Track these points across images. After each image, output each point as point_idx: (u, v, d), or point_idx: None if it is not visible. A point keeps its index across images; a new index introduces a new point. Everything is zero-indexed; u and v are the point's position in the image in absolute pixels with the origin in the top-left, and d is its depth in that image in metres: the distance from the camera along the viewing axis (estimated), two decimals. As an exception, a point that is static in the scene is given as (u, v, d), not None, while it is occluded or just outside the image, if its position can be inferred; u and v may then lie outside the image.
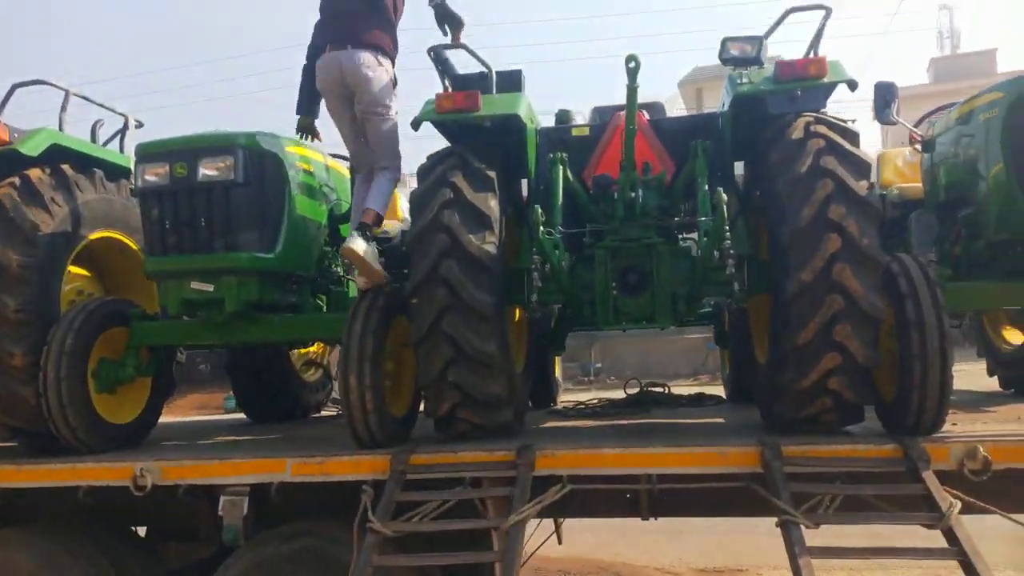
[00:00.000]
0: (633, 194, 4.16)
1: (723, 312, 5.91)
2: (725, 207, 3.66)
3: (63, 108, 5.02)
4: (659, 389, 6.86)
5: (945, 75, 25.64)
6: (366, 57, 4.52)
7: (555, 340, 6.28)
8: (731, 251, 3.83)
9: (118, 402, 4.74)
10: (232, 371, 6.32)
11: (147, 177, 4.22)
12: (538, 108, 4.58)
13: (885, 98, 4.73)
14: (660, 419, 5.41)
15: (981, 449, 3.47)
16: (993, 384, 6.34)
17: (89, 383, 4.51)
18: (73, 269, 5.01)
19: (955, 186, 4.43)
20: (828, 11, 4.16)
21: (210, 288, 4.23)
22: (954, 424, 4.23)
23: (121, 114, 5.42)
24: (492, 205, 4.01)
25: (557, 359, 7.32)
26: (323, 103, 4.76)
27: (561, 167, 4.24)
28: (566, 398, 7.40)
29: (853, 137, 3.90)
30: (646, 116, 4.62)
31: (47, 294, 4.49)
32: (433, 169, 4.15)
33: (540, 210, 3.70)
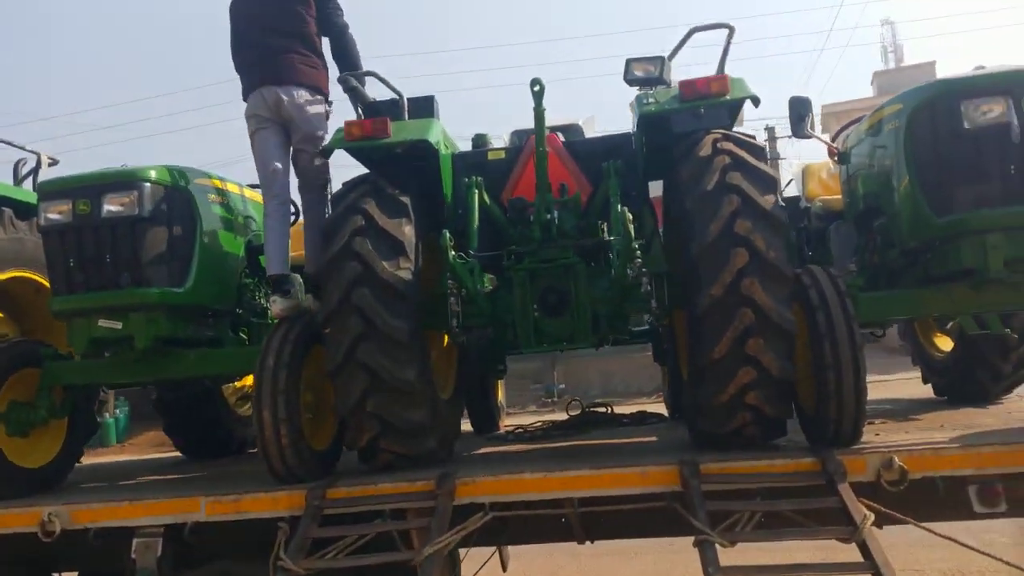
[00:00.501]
0: (549, 216, 4.14)
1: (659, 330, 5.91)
2: (631, 226, 3.65)
3: (-34, 148, 4.88)
4: (602, 409, 6.83)
5: (888, 88, 26.30)
6: (305, 94, 4.61)
7: (492, 364, 6.24)
8: (643, 269, 3.82)
9: (31, 446, 4.57)
10: (161, 408, 6.16)
11: (49, 215, 4.11)
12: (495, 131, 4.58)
13: (799, 112, 4.79)
14: (596, 440, 5.37)
15: (897, 459, 3.46)
16: (928, 392, 6.42)
17: (-3, 427, 4.35)
18: (-14, 312, 4.87)
19: (869, 196, 4.48)
20: (731, 29, 4.21)
21: (118, 325, 4.11)
22: (877, 434, 4.25)
23: (33, 152, 5.31)
24: (406, 231, 3.96)
25: (500, 383, 7.27)
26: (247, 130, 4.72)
27: (477, 191, 4.21)
28: (520, 421, 7.33)
29: (759, 153, 3.93)
30: (561, 138, 4.62)
31: (-50, 338, 4.33)
32: (346, 196, 4.10)
33: (448, 235, 3.65)
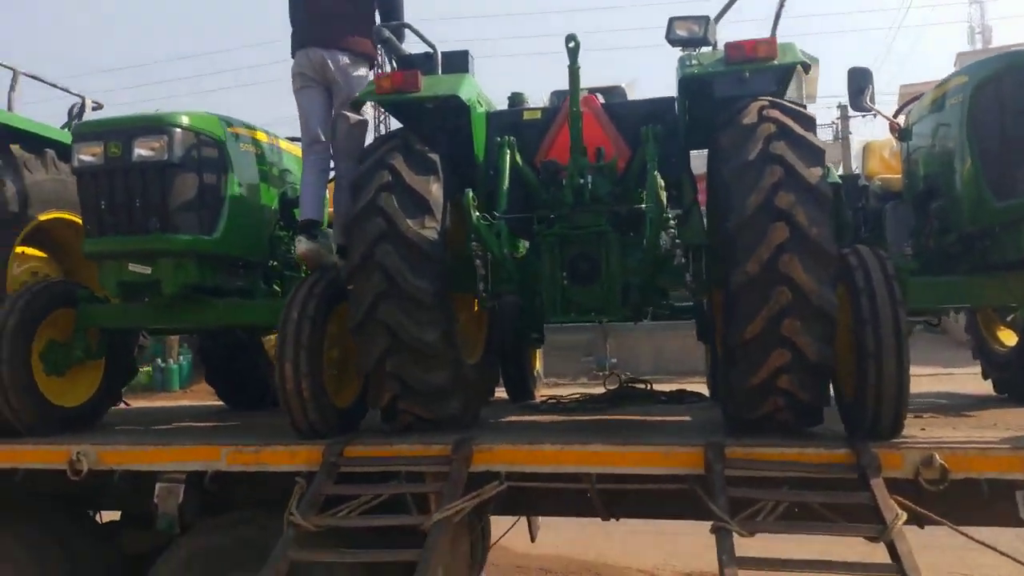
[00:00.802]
0: (582, 180, 3.97)
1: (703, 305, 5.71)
2: (663, 194, 3.47)
3: (12, 88, 4.93)
4: (640, 385, 6.68)
5: (972, 69, 24.98)
6: (351, 58, 4.60)
7: (526, 332, 6.12)
8: (677, 241, 3.64)
9: (68, 385, 4.66)
10: (204, 357, 6.24)
11: (82, 157, 4.12)
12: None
13: (859, 84, 4.50)
14: (628, 415, 5.23)
15: (938, 456, 3.25)
16: (989, 388, 6.08)
17: (36, 365, 4.43)
18: (27, 250, 4.94)
19: (929, 176, 4.19)
20: None
21: (147, 270, 4.12)
22: (923, 429, 4.00)
23: (77, 95, 5.33)
24: (433, 189, 3.85)
25: (538, 352, 7.16)
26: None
27: (509, 151, 4.06)
28: (564, 392, 7.21)
29: (808, 123, 3.69)
30: (601, 100, 4.42)
31: (-9, 276, 4.41)
32: (375, 151, 4.00)
33: (471, 194, 3.52)
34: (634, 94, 4.83)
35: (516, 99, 4.93)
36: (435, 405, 4.01)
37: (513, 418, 5.21)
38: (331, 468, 3.68)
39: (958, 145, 3.71)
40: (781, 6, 4.02)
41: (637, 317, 4.38)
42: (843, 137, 27.02)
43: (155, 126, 4.08)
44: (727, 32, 4.12)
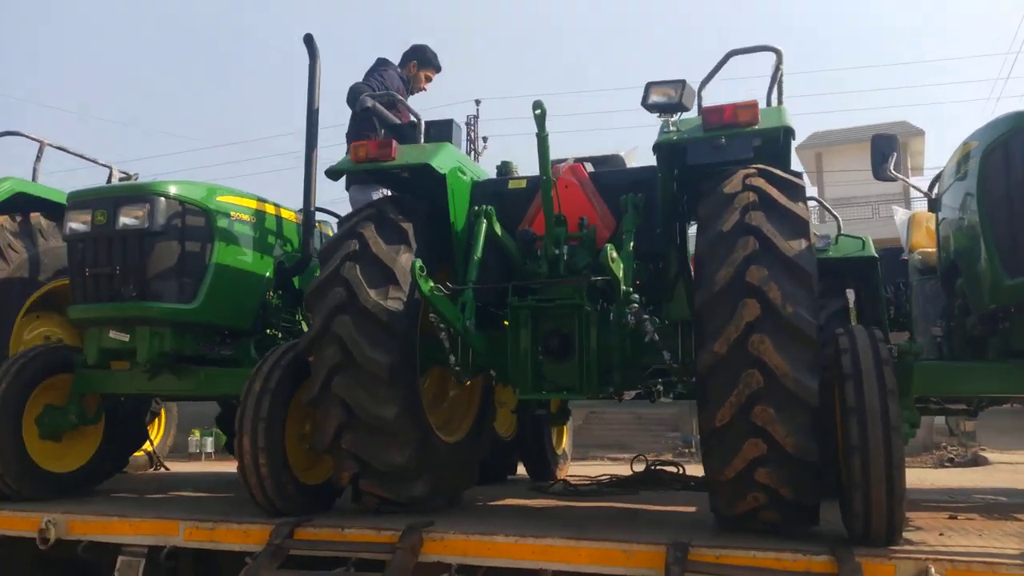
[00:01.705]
0: (558, 251, 3.77)
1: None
2: (617, 266, 3.23)
3: (38, 158, 5.16)
4: (671, 468, 6.28)
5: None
6: None
7: (550, 411, 5.86)
8: (645, 316, 3.37)
9: (63, 450, 4.68)
10: (220, 422, 6.23)
11: (72, 224, 4.22)
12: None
13: (883, 152, 4.17)
14: (638, 503, 4.87)
15: (933, 569, 2.82)
16: None
17: (31, 429, 4.48)
18: (41, 315, 5.08)
19: (954, 251, 3.78)
20: (777, 53, 3.69)
21: (126, 338, 4.15)
22: (941, 533, 3.54)
23: (105, 165, 5.54)
24: (402, 259, 3.72)
25: (564, 428, 6.85)
26: None
27: (485, 220, 3.90)
28: (594, 471, 6.84)
29: (795, 192, 3.39)
30: (589, 168, 4.23)
31: (-6, 339, 4.53)
32: (349, 220, 3.94)
33: (419, 264, 3.36)
34: (633, 162, 4.61)
35: (504, 168, 4.81)
36: (397, 486, 3.80)
37: (508, 501, 4.93)
38: (276, 550, 3.50)
39: (975, 216, 3.33)
40: (777, 69, 3.78)
41: (617, 395, 4.07)
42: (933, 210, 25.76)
43: (139, 195, 4.14)
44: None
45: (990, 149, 3.13)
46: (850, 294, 5.59)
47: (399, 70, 5.67)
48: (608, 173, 4.23)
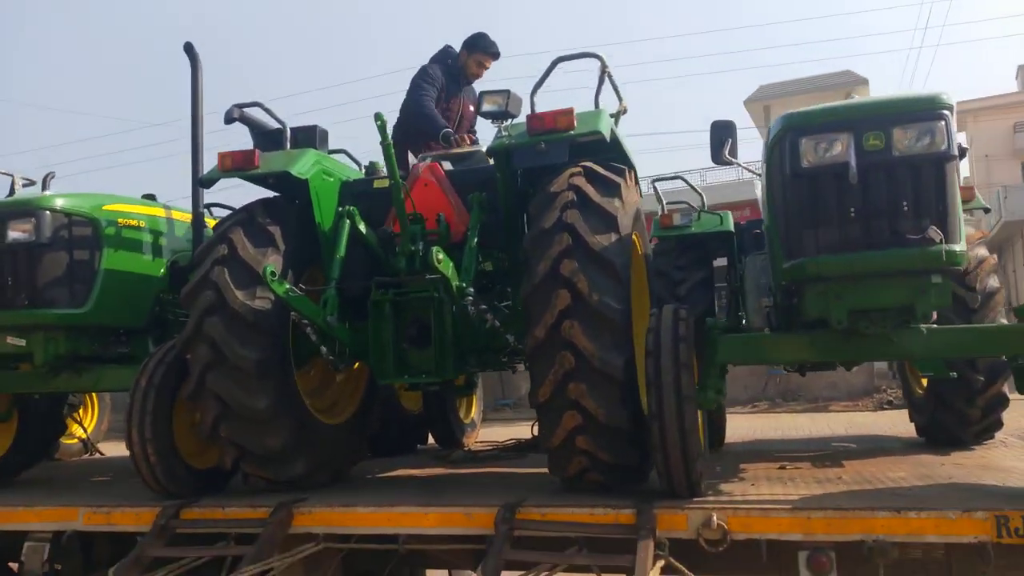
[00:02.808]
0: (413, 247, 4.14)
1: None
2: (440, 265, 3.62)
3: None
4: None
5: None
6: None
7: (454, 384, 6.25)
8: (483, 307, 3.78)
9: (-27, 447, 5.01)
10: None
11: (-32, 239, 4.49)
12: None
13: (720, 137, 4.54)
14: (515, 467, 5.32)
15: (716, 517, 3.29)
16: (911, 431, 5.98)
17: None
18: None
19: (765, 228, 4.21)
20: (601, 59, 4.06)
21: (22, 343, 4.46)
22: (753, 484, 4.01)
23: (6, 173, 5.77)
24: (268, 261, 4.06)
25: (474, 399, 7.28)
26: None
27: (348, 220, 4.25)
28: (502, 437, 7.27)
29: (612, 188, 3.79)
30: (447, 167, 4.59)
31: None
32: (222, 224, 4.26)
33: (270, 268, 3.72)
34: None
35: (371, 168, 5.14)
36: (276, 468, 4.18)
37: (401, 472, 5.34)
38: (161, 530, 3.88)
39: (765, 202, 3.77)
40: (602, 74, 4.15)
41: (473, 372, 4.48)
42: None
43: (25, 209, 4.44)
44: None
45: (770, 145, 3.54)
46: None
47: (449, 61, 5.82)
48: (462, 172, 4.60)
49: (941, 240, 3.14)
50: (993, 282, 5.12)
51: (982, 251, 5.26)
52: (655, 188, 6.15)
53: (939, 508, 3.18)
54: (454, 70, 5.80)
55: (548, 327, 3.51)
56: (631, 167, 4.32)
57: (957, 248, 3.22)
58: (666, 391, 3.42)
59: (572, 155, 3.94)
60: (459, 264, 4.15)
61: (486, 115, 3.93)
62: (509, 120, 3.97)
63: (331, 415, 4.63)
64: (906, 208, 3.18)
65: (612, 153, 4.21)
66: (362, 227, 4.32)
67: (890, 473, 4.25)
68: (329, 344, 4.20)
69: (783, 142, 3.45)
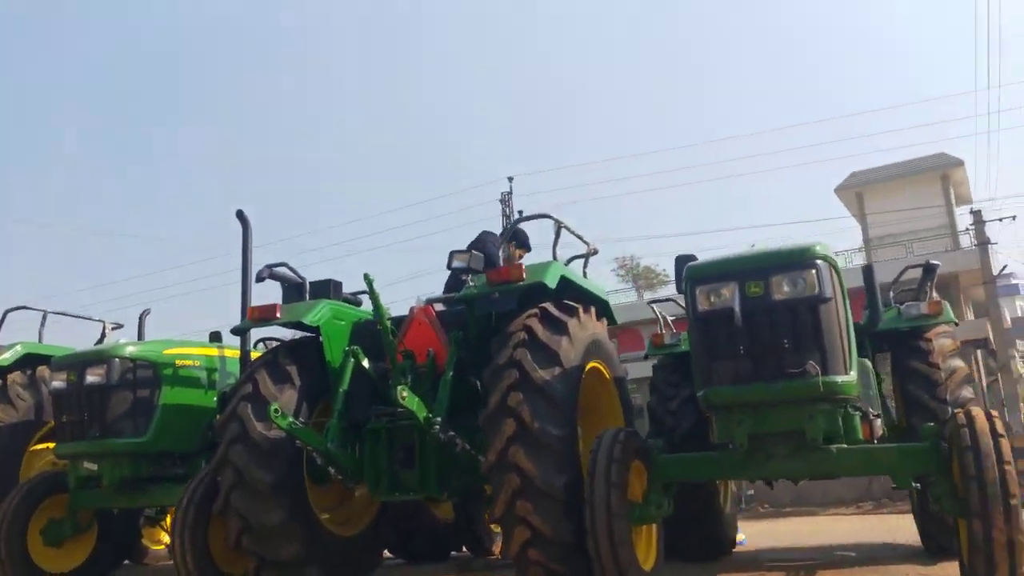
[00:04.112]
0: (404, 379, 4.85)
1: None
2: (405, 401, 4.30)
3: (42, 324, 6.59)
4: None
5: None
6: None
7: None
8: (451, 434, 4.43)
9: (63, 554, 5.92)
10: None
11: (54, 383, 5.56)
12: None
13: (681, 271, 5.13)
14: None
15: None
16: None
17: (36, 539, 5.74)
18: (48, 446, 6.40)
19: None
20: (554, 219, 4.78)
21: (94, 467, 5.40)
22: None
23: (98, 320, 6.95)
24: (284, 396, 4.86)
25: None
26: None
27: (353, 359, 5.02)
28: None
29: (559, 327, 4.42)
30: (439, 308, 5.33)
31: (5, 470, 5.85)
32: (250, 366, 5.12)
33: (274, 407, 4.50)
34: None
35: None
36: (292, 574, 4.86)
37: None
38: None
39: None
40: (558, 230, 4.87)
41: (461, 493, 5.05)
42: (980, 244, 25.75)
43: (100, 357, 5.46)
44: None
45: (683, 291, 4.10)
46: None
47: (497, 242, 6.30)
48: (448, 312, 5.33)
49: (817, 373, 3.61)
50: (967, 393, 5.38)
51: (956, 362, 5.53)
52: (653, 308, 6.68)
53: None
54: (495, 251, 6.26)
55: (498, 452, 4.12)
56: (595, 303, 4.97)
57: (839, 379, 3.68)
58: (598, 509, 3.93)
59: (541, 297, 4.59)
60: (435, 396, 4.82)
61: (456, 270, 4.69)
62: (472, 275, 4.73)
63: (346, 528, 5.30)
64: (787, 345, 3.68)
65: (571, 292, 4.86)
66: (365, 363, 5.09)
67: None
68: (337, 466, 4.92)
69: (687, 289, 4.02)
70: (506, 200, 37.58)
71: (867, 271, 4.58)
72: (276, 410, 4.47)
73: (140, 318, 7.57)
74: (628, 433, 4.26)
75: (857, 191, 36.91)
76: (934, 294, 6.01)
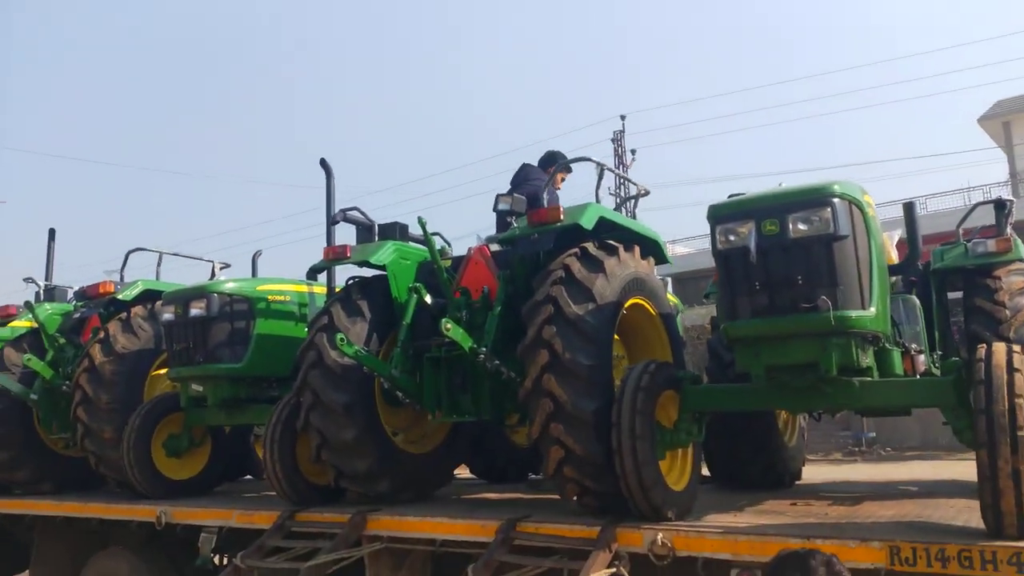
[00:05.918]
0: (459, 314, 5.27)
1: None
2: (449, 333, 4.69)
3: (159, 263, 7.41)
4: None
5: None
6: None
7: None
8: (496, 362, 4.82)
9: (183, 464, 6.80)
10: None
11: (164, 315, 6.32)
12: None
13: None
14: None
15: (660, 536, 4.07)
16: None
17: (159, 450, 6.62)
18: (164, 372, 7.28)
19: None
20: (593, 160, 4.99)
21: (200, 389, 6.16)
22: (735, 515, 4.64)
23: (209, 260, 7.72)
24: (356, 328, 5.38)
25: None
26: None
27: (416, 295, 5.47)
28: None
29: (596, 265, 4.68)
30: (494, 248, 5.67)
31: (131, 391, 6.72)
32: (327, 300, 5.68)
33: (341, 335, 4.98)
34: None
35: (442, 250, 6.32)
36: (365, 485, 5.45)
37: (482, 495, 6.40)
38: (280, 527, 5.30)
39: None
40: (600, 175, 5.09)
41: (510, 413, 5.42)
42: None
43: (200, 293, 6.16)
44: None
45: (709, 221, 4.25)
46: None
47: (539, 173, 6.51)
48: (501, 252, 5.66)
49: (829, 308, 3.74)
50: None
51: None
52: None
53: (841, 538, 3.74)
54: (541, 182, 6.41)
55: (533, 379, 4.49)
56: (640, 242, 5.20)
57: (852, 314, 3.80)
58: (623, 432, 4.24)
59: (583, 237, 4.86)
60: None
61: (501, 213, 5.01)
62: (516, 217, 5.03)
63: (418, 446, 5.83)
64: (800, 281, 3.82)
65: (617, 233, 5.10)
66: (428, 299, 5.53)
67: (860, 510, 4.69)
68: (402, 390, 5.42)
69: (711, 228, 4.19)
70: (618, 139, 37.32)
71: (908, 208, 4.57)
72: (342, 339, 4.98)
73: (253, 259, 8.37)
74: (659, 365, 4.52)
75: (1004, 120, 34.39)
76: (1008, 231, 5.85)
